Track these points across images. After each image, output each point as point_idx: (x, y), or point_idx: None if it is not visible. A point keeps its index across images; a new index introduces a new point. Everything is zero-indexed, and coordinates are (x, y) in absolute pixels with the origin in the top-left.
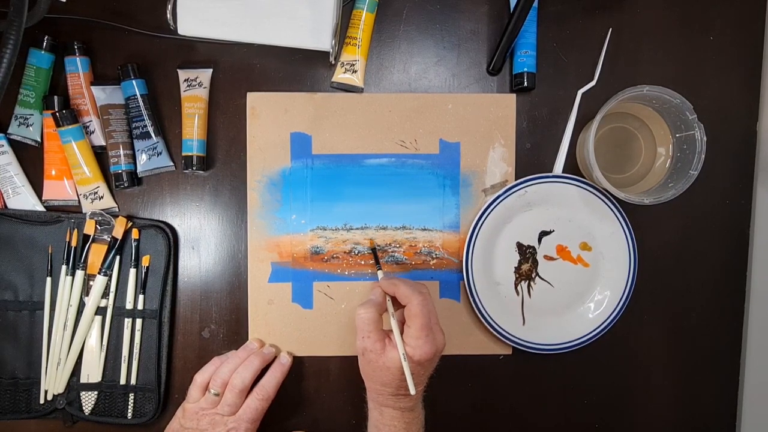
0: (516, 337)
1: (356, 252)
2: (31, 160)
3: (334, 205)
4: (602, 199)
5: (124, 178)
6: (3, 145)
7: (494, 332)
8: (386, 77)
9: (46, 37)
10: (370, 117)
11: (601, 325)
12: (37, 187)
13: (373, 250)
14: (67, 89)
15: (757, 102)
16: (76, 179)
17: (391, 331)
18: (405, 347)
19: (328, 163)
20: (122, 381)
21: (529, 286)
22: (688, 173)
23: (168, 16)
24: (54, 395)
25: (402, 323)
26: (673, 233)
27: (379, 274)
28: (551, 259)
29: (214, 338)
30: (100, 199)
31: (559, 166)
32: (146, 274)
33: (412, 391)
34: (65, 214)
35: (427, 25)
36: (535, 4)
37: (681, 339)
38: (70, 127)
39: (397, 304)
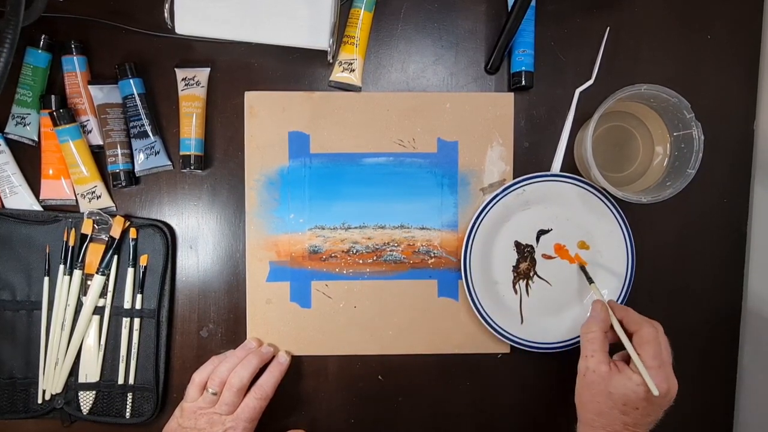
0: (514, 336)
1: (354, 251)
2: (29, 160)
3: (332, 204)
4: (600, 198)
5: (122, 178)
6: (0, 145)
7: (492, 331)
8: (384, 76)
9: (43, 36)
10: (368, 116)
11: None
12: (35, 187)
13: (582, 268)
14: (64, 88)
15: (755, 101)
16: (73, 178)
17: (617, 359)
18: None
19: (326, 162)
20: (120, 380)
21: (527, 284)
22: (686, 172)
23: (165, 15)
24: (52, 395)
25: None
26: (671, 232)
27: (599, 290)
28: (549, 257)
29: (212, 337)
30: (97, 198)
31: (557, 164)
32: (144, 273)
33: (655, 392)
34: (63, 213)
35: (425, 24)
36: (533, 2)
37: (678, 337)
38: (67, 126)
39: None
